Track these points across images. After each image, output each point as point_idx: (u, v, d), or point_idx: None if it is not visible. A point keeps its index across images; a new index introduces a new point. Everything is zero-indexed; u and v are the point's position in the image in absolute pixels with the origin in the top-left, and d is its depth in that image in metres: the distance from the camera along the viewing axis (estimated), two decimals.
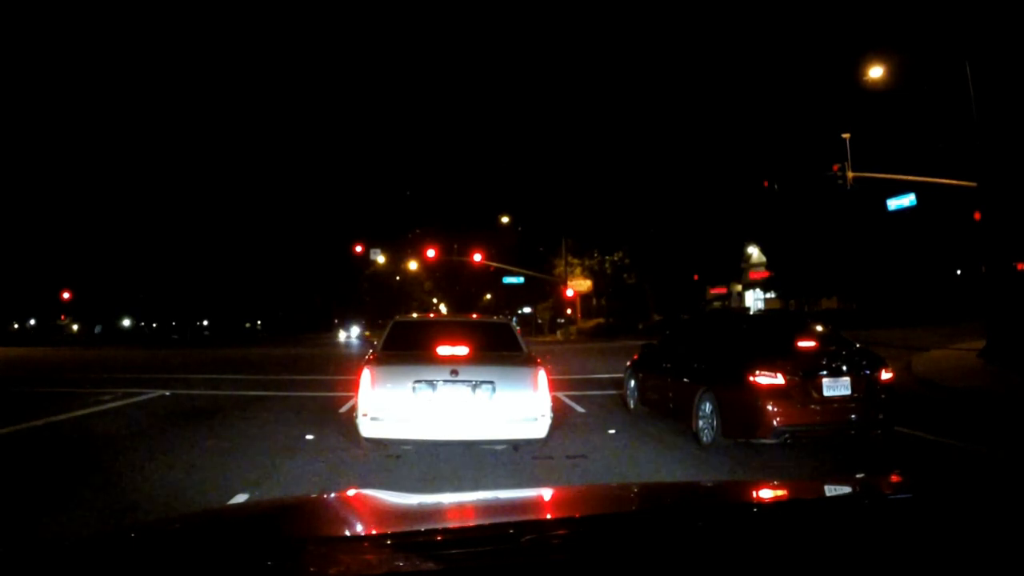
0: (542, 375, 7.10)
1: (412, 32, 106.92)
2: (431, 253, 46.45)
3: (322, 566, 1.41)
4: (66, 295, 42.82)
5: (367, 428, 6.96)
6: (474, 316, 15.14)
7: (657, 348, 10.41)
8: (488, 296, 72.24)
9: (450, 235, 57.30)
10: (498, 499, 2.67)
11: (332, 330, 66.70)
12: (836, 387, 7.32)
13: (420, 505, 2.23)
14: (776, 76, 37.02)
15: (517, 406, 6.95)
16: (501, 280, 53.69)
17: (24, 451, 8.14)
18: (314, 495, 2.37)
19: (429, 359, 7.28)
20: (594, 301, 53.81)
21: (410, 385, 6.91)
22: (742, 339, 8.56)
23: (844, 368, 7.48)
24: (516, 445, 7.33)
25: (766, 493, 2.36)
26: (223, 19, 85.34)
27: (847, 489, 2.30)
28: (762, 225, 43.43)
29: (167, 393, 13.46)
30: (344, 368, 18.13)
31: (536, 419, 6.94)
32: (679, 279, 47.90)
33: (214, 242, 63.70)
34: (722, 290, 53.79)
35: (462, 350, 7.40)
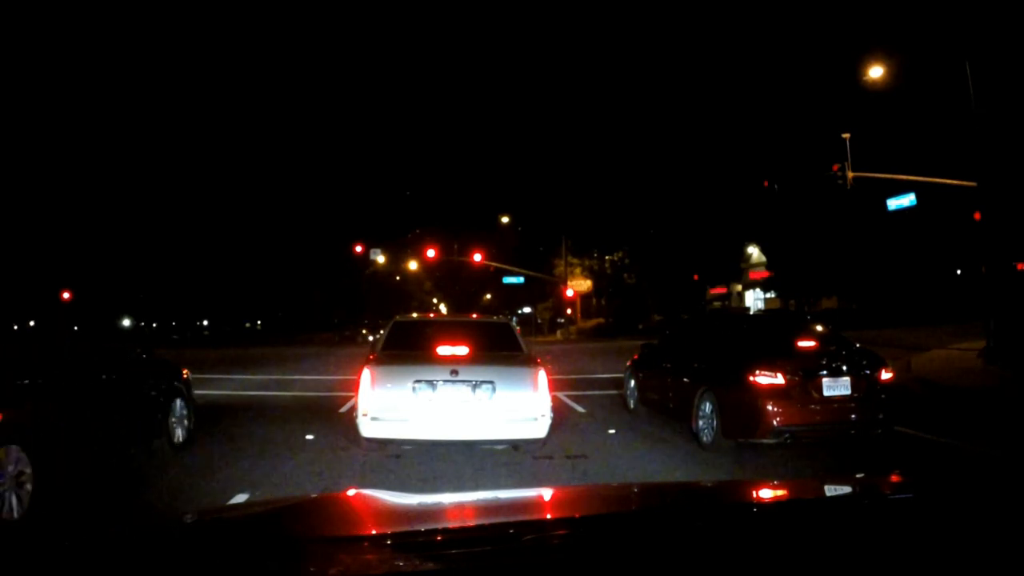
0: (542, 375, 7.10)
1: (412, 33, 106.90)
2: (431, 253, 46.40)
3: (322, 566, 1.40)
4: (66, 295, 42.82)
5: (367, 428, 6.97)
6: (474, 316, 15.13)
7: (657, 348, 10.41)
8: (488, 296, 72.18)
9: (450, 235, 57.23)
10: (498, 499, 2.67)
11: (336, 330, 62.28)
12: (836, 387, 7.32)
13: (420, 505, 2.23)
14: (776, 76, 37.01)
15: (517, 406, 6.95)
16: (501, 280, 53.63)
17: None
18: (314, 495, 2.38)
19: (429, 359, 7.28)
20: (594, 301, 53.79)
21: (410, 385, 6.92)
22: (742, 339, 8.56)
23: (844, 368, 7.47)
24: (516, 445, 7.33)
25: (766, 493, 2.36)
26: (223, 19, 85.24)
27: (847, 489, 2.30)
28: (762, 225, 43.39)
29: None
30: (344, 368, 18.13)
31: (536, 419, 6.95)
32: (679, 279, 47.85)
33: (214, 242, 63.58)
34: (722, 290, 53.75)
35: (462, 350, 7.40)
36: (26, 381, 5.69)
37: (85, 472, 6.26)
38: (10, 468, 5.12)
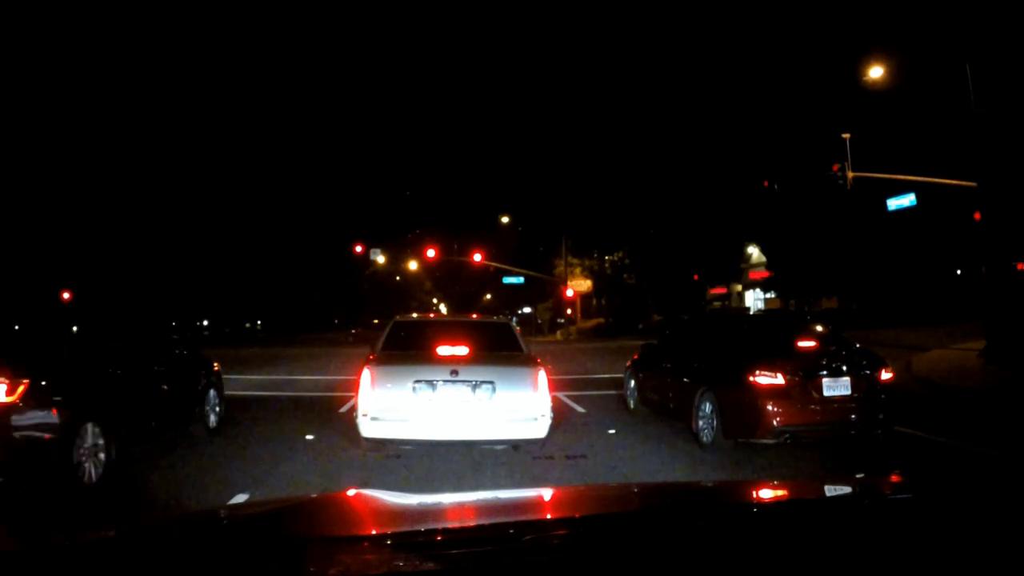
0: (542, 375, 7.10)
1: (412, 33, 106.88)
2: (431, 253, 46.39)
3: (322, 566, 1.41)
4: (66, 295, 42.81)
5: (367, 428, 6.97)
6: (474, 316, 15.13)
7: (657, 348, 10.40)
8: (488, 296, 72.19)
9: (450, 235, 57.32)
10: (498, 499, 2.67)
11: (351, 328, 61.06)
12: (836, 387, 7.32)
13: (420, 505, 2.23)
14: (776, 76, 36.99)
15: (517, 406, 6.95)
16: (501, 280, 53.65)
17: None
18: (314, 495, 2.37)
19: (429, 359, 7.28)
20: (594, 301, 53.78)
21: (410, 385, 6.92)
22: (742, 339, 8.56)
23: (844, 368, 7.48)
24: (516, 445, 7.33)
25: (766, 493, 2.36)
26: (223, 19, 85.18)
27: (847, 489, 2.31)
28: (762, 225, 43.39)
29: None
30: (344, 368, 18.13)
31: (536, 419, 6.95)
32: (679, 279, 47.84)
33: (214, 242, 63.50)
34: (722, 290, 53.75)
35: (462, 350, 7.40)
36: (99, 371, 6.87)
37: (143, 447, 7.44)
38: (89, 441, 6.16)
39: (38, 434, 5.79)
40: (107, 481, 6.26)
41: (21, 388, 5.67)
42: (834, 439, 7.58)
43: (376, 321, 47.35)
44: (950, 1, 21.57)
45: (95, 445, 6.24)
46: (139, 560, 1.49)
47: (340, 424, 9.53)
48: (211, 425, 8.98)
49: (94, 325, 8.68)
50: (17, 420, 5.63)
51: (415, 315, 21.92)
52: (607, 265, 52.61)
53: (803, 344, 7.98)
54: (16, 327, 7.95)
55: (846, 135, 20.61)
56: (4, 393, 5.61)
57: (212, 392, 9.18)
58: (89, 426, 6.18)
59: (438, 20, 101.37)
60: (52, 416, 5.88)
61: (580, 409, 11.02)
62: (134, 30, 67.68)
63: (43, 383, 5.93)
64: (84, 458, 6.09)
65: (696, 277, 49.50)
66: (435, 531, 1.66)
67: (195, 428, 8.64)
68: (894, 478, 2.59)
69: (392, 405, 6.91)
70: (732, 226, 44.70)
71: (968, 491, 2.08)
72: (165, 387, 8.10)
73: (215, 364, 9.69)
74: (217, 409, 9.28)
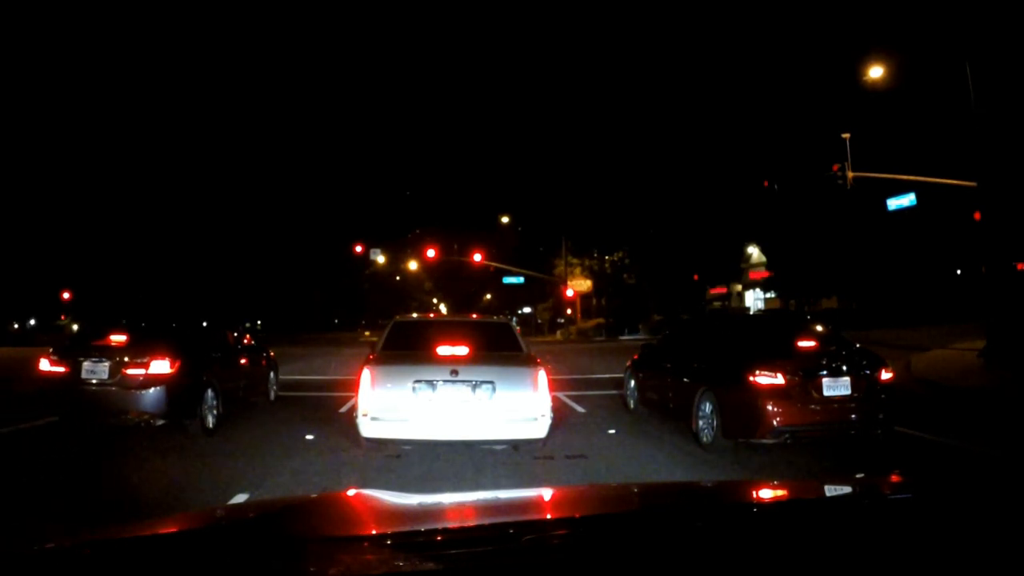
0: (542, 375, 7.10)
1: (412, 34, 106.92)
2: (431, 253, 46.37)
3: (322, 566, 1.41)
4: (66, 295, 42.82)
5: (367, 428, 6.97)
6: (474, 316, 15.12)
7: (657, 348, 10.40)
8: (488, 296, 72.16)
9: (450, 235, 57.27)
10: (498, 499, 2.67)
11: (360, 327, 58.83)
12: (836, 387, 7.31)
13: (420, 505, 2.23)
14: (776, 76, 37.01)
15: (517, 406, 6.95)
16: (501, 280, 53.61)
17: (25, 450, 8.14)
18: (314, 495, 2.37)
19: (429, 359, 7.28)
20: (594, 301, 53.79)
21: (410, 385, 6.92)
22: (742, 339, 8.55)
23: (844, 368, 7.47)
24: (516, 445, 7.34)
25: (766, 493, 2.36)
26: (222, 19, 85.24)
27: (847, 489, 2.30)
28: (762, 225, 43.44)
29: None
30: (343, 368, 18.12)
31: (536, 419, 6.95)
32: (679, 279, 47.87)
33: (214, 242, 63.49)
34: (722, 290, 53.76)
35: (462, 350, 7.40)
36: (211, 354, 9.65)
37: (234, 410, 9.90)
38: (209, 402, 8.94)
39: (183, 395, 8.43)
40: (218, 428, 9.00)
41: (177, 364, 8.42)
42: (834, 439, 7.57)
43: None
44: (950, 1, 21.56)
45: (212, 404, 8.97)
46: (140, 561, 1.49)
47: (340, 424, 9.53)
48: (272, 398, 11.81)
49: (209, 322, 11.24)
50: (173, 385, 8.32)
51: (415, 315, 21.91)
52: (607, 265, 52.64)
53: (803, 344, 7.96)
54: (174, 324, 10.44)
55: (846, 135, 20.61)
56: (168, 367, 8.33)
57: (272, 373, 12.10)
58: (209, 391, 8.92)
59: (438, 20, 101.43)
60: (190, 384, 8.58)
61: (580, 409, 11.02)
62: (134, 30, 67.67)
63: (187, 362, 8.58)
64: (206, 412, 8.82)
65: (696, 277, 49.55)
66: (435, 531, 1.66)
67: (262, 399, 11.31)
68: (894, 478, 2.59)
69: (392, 405, 6.91)
70: (732, 226, 44.75)
71: (968, 491, 2.08)
72: (247, 368, 10.74)
73: (272, 352, 12.37)
74: (275, 386, 12.12)
